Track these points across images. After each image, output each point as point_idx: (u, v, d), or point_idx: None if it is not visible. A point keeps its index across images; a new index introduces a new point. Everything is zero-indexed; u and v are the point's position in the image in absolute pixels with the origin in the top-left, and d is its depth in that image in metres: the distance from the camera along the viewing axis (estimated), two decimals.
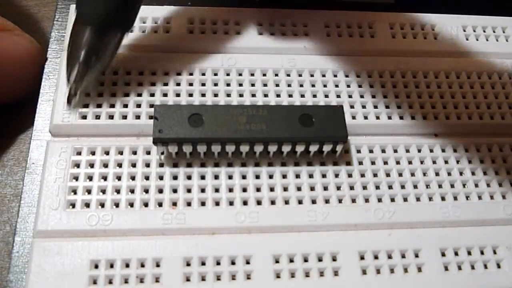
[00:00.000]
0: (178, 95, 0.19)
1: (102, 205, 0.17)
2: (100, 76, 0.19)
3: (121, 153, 0.18)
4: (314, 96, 0.20)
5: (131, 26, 0.19)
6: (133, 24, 0.19)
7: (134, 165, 0.18)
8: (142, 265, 0.16)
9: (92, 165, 0.18)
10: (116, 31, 0.18)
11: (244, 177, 0.18)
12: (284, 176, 0.18)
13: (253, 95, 0.20)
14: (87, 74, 0.18)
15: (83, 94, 0.18)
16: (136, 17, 0.19)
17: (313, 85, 0.20)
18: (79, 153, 0.18)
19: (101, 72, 0.19)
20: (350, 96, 0.20)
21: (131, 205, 0.17)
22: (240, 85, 0.20)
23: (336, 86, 0.20)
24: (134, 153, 0.18)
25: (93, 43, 0.17)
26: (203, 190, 0.18)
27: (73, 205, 0.17)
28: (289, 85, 0.20)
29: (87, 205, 0.17)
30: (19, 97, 0.20)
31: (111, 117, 0.19)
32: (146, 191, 0.17)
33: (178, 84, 0.20)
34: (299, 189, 0.18)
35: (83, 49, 0.17)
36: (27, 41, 0.20)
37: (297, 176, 0.18)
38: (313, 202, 0.18)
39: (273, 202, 0.18)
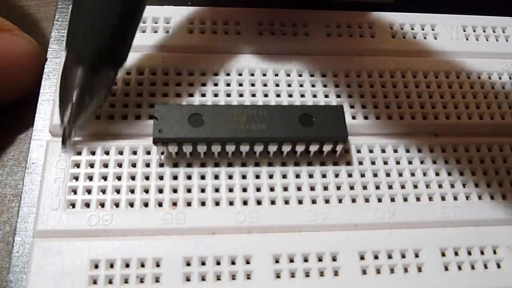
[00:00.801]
0: (178, 95, 0.19)
1: (102, 205, 0.17)
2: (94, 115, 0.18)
3: (121, 153, 0.18)
4: (314, 96, 0.20)
5: (124, 64, 0.18)
6: (125, 61, 0.18)
7: (134, 165, 0.18)
8: (142, 265, 0.16)
9: (92, 165, 0.18)
10: (108, 70, 0.17)
11: (244, 177, 0.18)
12: (284, 176, 0.18)
13: (253, 95, 0.20)
14: (81, 114, 0.17)
15: (78, 134, 0.18)
16: (128, 54, 0.18)
17: (313, 85, 0.20)
18: (79, 153, 0.18)
19: (96, 111, 0.18)
20: (350, 96, 0.20)
21: (131, 205, 0.17)
22: (240, 85, 0.20)
23: (336, 86, 0.20)
24: (134, 153, 0.18)
25: (85, 83, 0.17)
26: (203, 190, 0.18)
27: (73, 205, 0.17)
28: (289, 85, 0.20)
29: (87, 205, 0.17)
30: (19, 97, 0.20)
31: (111, 117, 0.19)
32: (146, 191, 0.17)
33: (178, 84, 0.20)
34: (299, 189, 0.18)
35: (76, 89, 0.17)
36: (26, 41, 0.20)
37: (297, 176, 0.18)
38: (313, 202, 0.18)
39: (273, 202, 0.18)
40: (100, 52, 0.17)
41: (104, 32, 0.16)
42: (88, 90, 0.17)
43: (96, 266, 0.16)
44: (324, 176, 0.18)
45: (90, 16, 0.16)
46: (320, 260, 0.17)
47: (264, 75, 0.20)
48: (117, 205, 0.17)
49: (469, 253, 0.17)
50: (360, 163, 0.19)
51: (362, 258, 0.17)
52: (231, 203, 0.17)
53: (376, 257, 0.17)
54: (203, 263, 0.16)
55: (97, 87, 0.17)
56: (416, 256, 0.17)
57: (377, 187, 0.18)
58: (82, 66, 0.17)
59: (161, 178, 0.18)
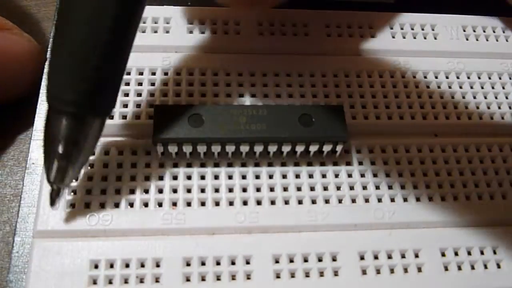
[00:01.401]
0: (178, 95, 0.19)
1: (102, 205, 0.17)
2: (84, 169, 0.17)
3: (121, 153, 0.18)
4: (314, 96, 0.20)
5: (111, 111, 0.16)
6: (112, 108, 0.16)
7: (134, 165, 0.18)
8: (142, 265, 0.16)
9: (92, 165, 0.18)
10: (94, 119, 0.15)
11: (244, 177, 0.18)
12: (284, 176, 0.18)
13: (253, 95, 0.20)
14: (68, 170, 0.15)
15: (67, 191, 0.17)
16: (116, 100, 0.16)
17: (313, 85, 0.20)
18: None
19: (84, 164, 0.16)
20: (350, 96, 0.20)
21: (131, 205, 0.17)
22: (240, 85, 0.20)
23: (336, 86, 0.20)
24: (134, 153, 0.18)
25: (70, 135, 0.15)
26: (203, 190, 0.18)
27: (73, 205, 0.17)
28: (289, 85, 0.20)
29: (87, 205, 0.17)
30: (19, 96, 0.20)
31: (111, 117, 0.19)
32: (146, 191, 0.17)
33: (178, 84, 0.20)
34: (299, 189, 0.18)
35: (61, 141, 0.15)
36: (25, 40, 0.20)
37: (297, 176, 0.18)
38: (313, 202, 0.18)
39: (273, 202, 0.18)
40: (83, 99, 0.15)
41: (86, 74, 0.14)
42: (74, 143, 0.15)
43: (96, 266, 0.16)
44: (324, 176, 0.18)
45: (69, 54, 0.14)
46: (320, 260, 0.17)
47: (264, 75, 0.20)
48: (117, 205, 0.17)
49: (469, 253, 0.17)
50: (360, 163, 0.19)
51: (362, 258, 0.17)
52: (231, 203, 0.17)
53: (376, 257, 0.17)
54: (203, 263, 0.16)
55: (83, 138, 0.15)
56: (416, 256, 0.17)
57: (377, 187, 0.18)
58: (65, 117, 0.15)
59: (161, 178, 0.18)
